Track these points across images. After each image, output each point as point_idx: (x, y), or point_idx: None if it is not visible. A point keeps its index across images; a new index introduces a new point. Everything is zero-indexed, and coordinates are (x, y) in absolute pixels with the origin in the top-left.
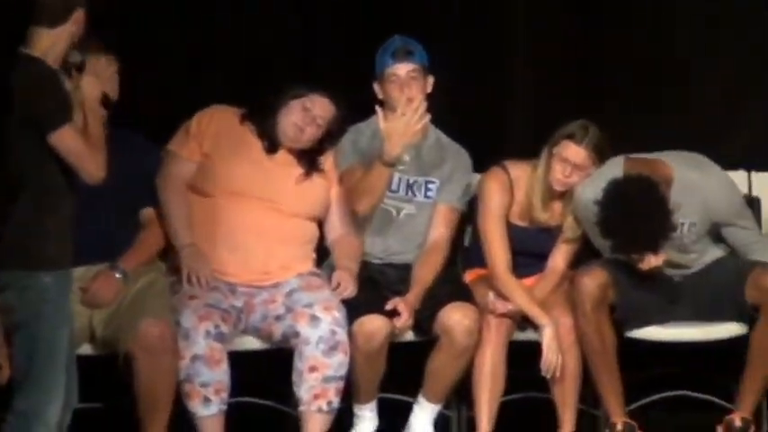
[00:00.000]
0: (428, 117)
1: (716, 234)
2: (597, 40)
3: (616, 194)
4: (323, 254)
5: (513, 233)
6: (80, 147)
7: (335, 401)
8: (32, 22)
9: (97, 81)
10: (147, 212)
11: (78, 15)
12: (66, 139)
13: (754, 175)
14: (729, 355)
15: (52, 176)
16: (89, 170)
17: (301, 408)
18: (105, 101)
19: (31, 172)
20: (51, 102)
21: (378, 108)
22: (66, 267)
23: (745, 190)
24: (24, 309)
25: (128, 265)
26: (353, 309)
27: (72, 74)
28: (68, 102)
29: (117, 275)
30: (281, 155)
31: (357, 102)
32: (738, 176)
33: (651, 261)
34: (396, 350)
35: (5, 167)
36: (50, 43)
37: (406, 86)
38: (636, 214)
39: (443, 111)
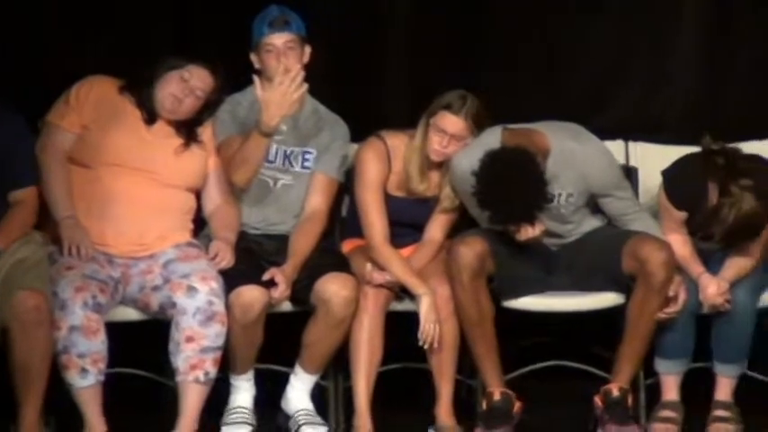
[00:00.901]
0: (305, 87)
1: (593, 204)
2: (477, 5)
3: (492, 166)
4: (200, 224)
5: (390, 203)
6: None
7: (212, 372)
8: None
9: None
10: (20, 192)
11: None
12: None
13: (631, 144)
14: (607, 326)
15: None
16: None
17: (178, 378)
18: None
19: None
20: None
21: (255, 77)
22: None
23: (622, 160)
24: None
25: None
26: (231, 279)
27: None
28: None
29: None
30: (160, 126)
31: (234, 71)
32: (616, 146)
33: (528, 232)
34: (273, 320)
35: None
36: None
37: (282, 56)
38: (512, 186)
39: (321, 81)
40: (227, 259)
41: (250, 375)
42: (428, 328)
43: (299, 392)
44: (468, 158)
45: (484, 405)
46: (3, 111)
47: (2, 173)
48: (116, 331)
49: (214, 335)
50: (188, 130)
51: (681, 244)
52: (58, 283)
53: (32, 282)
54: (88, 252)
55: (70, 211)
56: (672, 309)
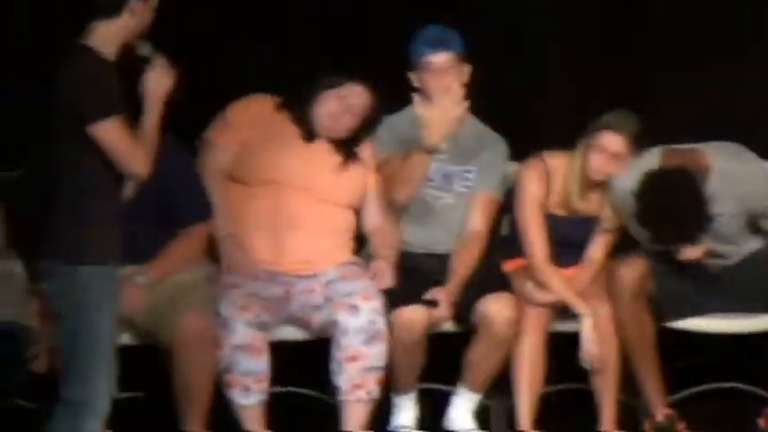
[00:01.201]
0: (466, 105)
1: (755, 225)
2: (641, 25)
3: (653, 186)
4: (360, 243)
5: (551, 223)
6: (122, 142)
7: (375, 391)
8: (91, 14)
9: (163, 76)
10: (196, 228)
11: (137, 6)
12: (107, 133)
13: None
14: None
15: (95, 170)
16: (130, 167)
17: (341, 397)
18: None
19: (74, 165)
20: (95, 93)
21: (415, 95)
22: (109, 262)
23: None
24: (66, 299)
25: (155, 273)
26: (392, 298)
27: (140, 66)
28: (114, 95)
29: (140, 282)
30: (319, 143)
31: (393, 91)
32: None
33: (689, 252)
34: (435, 340)
35: (50, 159)
36: (106, 35)
37: (442, 76)
38: (672, 206)
39: (481, 99)
40: (388, 278)
41: (413, 395)
42: (590, 348)
43: (461, 411)
44: (629, 178)
45: (647, 426)
46: (174, 144)
47: (169, 205)
48: (278, 350)
49: (377, 354)
50: (348, 148)
51: None
52: (222, 301)
53: (195, 303)
54: (249, 270)
55: (230, 230)
56: None
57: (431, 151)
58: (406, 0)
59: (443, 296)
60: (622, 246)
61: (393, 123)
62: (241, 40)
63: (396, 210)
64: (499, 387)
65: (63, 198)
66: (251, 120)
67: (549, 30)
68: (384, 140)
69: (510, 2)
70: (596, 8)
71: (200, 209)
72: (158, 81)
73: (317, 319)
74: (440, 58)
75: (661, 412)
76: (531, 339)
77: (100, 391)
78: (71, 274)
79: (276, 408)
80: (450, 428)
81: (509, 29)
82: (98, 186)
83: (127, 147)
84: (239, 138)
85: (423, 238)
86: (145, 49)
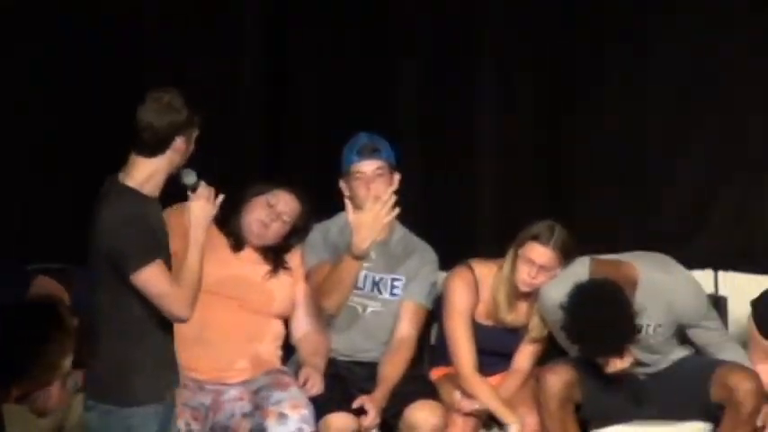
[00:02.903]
0: (396, 211)
1: (682, 334)
2: (567, 137)
3: (581, 299)
4: (289, 351)
5: (478, 332)
6: (162, 288)
7: None
8: (131, 146)
9: (208, 204)
10: None
11: (180, 143)
12: (148, 281)
13: (720, 274)
14: None
15: (137, 311)
16: (172, 311)
17: None
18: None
19: (115, 306)
20: (135, 239)
21: (347, 201)
22: (153, 401)
23: (711, 290)
24: None
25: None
26: (321, 406)
27: (186, 194)
28: (154, 240)
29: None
30: (247, 252)
31: (323, 199)
32: (705, 276)
33: (617, 364)
34: None
35: (94, 299)
36: (148, 174)
37: (372, 183)
38: (601, 320)
39: (410, 208)
40: (317, 386)
41: None
42: None
43: None
44: (557, 290)
45: None
46: None
47: None
48: None
49: None
50: (276, 256)
51: None
52: None
53: None
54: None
55: None
56: None
57: (360, 257)
58: (337, 107)
59: (371, 404)
60: (549, 353)
61: (324, 230)
62: None
63: (325, 318)
64: None
65: (104, 340)
66: (177, 230)
67: (477, 142)
68: (316, 246)
69: (440, 113)
70: (523, 122)
71: None
72: (202, 209)
73: (246, 426)
74: (370, 167)
75: None
76: None
77: None
78: (114, 413)
79: None
80: None
81: (438, 139)
82: (143, 328)
83: (169, 292)
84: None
85: (350, 346)
86: (189, 178)
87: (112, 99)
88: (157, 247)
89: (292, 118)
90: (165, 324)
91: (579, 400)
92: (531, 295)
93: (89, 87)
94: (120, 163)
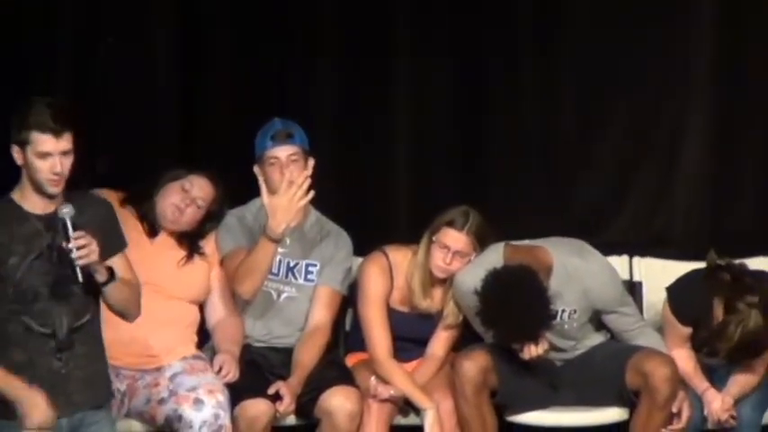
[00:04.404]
0: (311, 194)
1: (597, 320)
2: (482, 123)
3: (495, 285)
4: (204, 337)
5: (393, 318)
6: None
7: None
8: None
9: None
10: None
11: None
12: None
13: (635, 260)
14: None
15: None
16: None
17: None
18: None
19: None
20: None
21: (262, 184)
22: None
23: (626, 275)
24: None
25: None
26: (236, 392)
27: None
28: None
29: None
30: (162, 238)
31: (238, 185)
32: (620, 261)
33: (532, 350)
34: None
35: None
36: None
37: (286, 169)
38: (515, 306)
39: (324, 194)
40: (232, 372)
41: None
42: None
43: None
44: (471, 276)
45: None
46: None
47: None
48: None
49: None
50: (190, 242)
51: (685, 359)
52: None
53: None
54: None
55: None
56: (676, 425)
57: (275, 240)
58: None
59: (287, 390)
60: (465, 339)
61: (240, 216)
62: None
63: (240, 303)
64: None
65: None
66: None
67: (393, 124)
68: (232, 230)
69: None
70: (439, 103)
71: None
72: None
73: (162, 412)
74: (284, 152)
75: None
76: None
77: None
78: None
79: None
80: None
81: (350, 123)
82: None
83: None
84: None
85: (266, 332)
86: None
87: None
88: None
89: (205, 104)
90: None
91: (495, 386)
92: (446, 281)
93: None
94: None
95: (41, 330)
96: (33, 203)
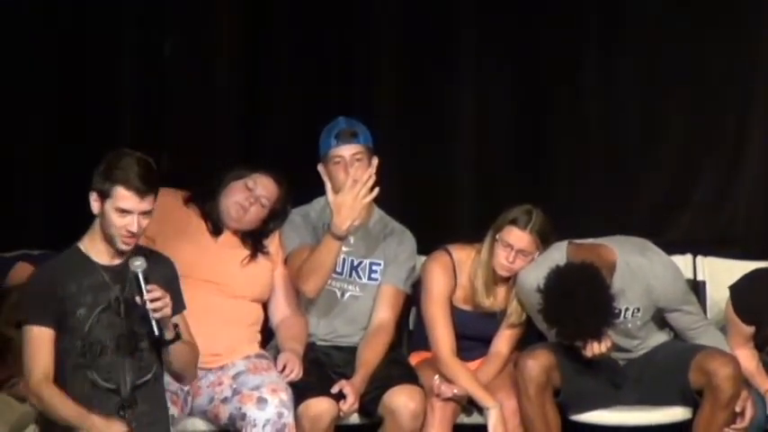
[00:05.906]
0: (376, 191)
1: (660, 318)
2: (546, 123)
3: (558, 283)
4: (268, 335)
5: (457, 317)
6: None
7: None
8: None
9: None
10: None
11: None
12: None
13: (699, 259)
14: None
15: None
16: None
17: None
18: None
19: None
20: None
21: (326, 183)
22: None
23: (690, 274)
24: None
25: None
26: (300, 391)
27: None
28: None
29: None
30: (226, 237)
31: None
32: (684, 261)
33: (595, 348)
34: None
35: None
36: None
37: (350, 167)
38: (578, 303)
39: (389, 193)
40: (296, 371)
41: None
42: None
43: None
44: (535, 274)
45: None
46: None
47: None
48: None
49: None
50: (254, 240)
51: (748, 358)
52: None
53: None
54: None
55: None
56: (739, 424)
57: (340, 237)
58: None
59: (350, 388)
60: (528, 338)
61: (304, 214)
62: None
63: (303, 302)
64: None
65: None
66: (158, 214)
67: (455, 124)
68: (297, 227)
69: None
70: (502, 106)
71: None
72: None
73: (225, 411)
74: (348, 151)
75: None
76: None
77: None
78: None
79: None
80: None
81: (416, 124)
82: None
83: None
84: (146, 233)
85: (330, 331)
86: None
87: None
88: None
89: (270, 104)
90: None
91: (558, 385)
92: (510, 280)
93: None
94: None
95: (106, 386)
96: (100, 254)
